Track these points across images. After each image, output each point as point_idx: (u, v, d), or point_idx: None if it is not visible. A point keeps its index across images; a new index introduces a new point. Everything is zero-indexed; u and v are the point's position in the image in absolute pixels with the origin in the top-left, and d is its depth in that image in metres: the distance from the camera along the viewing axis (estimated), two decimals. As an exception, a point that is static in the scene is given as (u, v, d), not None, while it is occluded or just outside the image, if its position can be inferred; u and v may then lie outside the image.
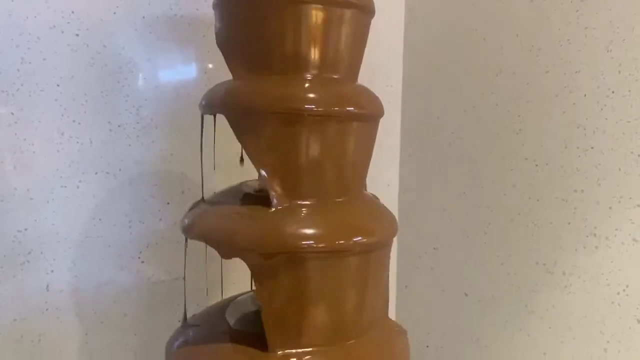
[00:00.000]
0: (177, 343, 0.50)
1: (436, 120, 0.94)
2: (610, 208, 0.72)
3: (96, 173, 0.74)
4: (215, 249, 0.47)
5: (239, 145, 0.51)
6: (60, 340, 0.73)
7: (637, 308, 0.71)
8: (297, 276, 0.44)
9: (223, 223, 0.46)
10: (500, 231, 0.85)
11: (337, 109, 0.46)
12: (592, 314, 0.75)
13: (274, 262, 0.44)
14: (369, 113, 0.49)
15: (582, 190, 0.75)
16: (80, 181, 0.73)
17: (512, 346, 0.84)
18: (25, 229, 0.70)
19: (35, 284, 0.71)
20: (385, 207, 0.53)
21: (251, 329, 0.49)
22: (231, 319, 0.50)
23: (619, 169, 0.71)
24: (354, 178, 0.49)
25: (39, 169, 0.70)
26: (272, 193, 0.45)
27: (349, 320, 0.47)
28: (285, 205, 0.45)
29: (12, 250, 0.69)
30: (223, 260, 0.55)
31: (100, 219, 0.74)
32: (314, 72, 0.46)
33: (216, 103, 0.50)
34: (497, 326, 0.87)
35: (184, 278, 0.66)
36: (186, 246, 0.59)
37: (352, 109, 0.47)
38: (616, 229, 0.72)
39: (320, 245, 0.44)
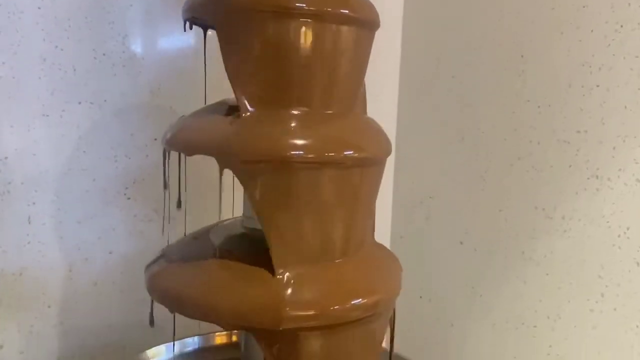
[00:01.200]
0: (157, 263, 0.47)
1: (436, 64, 0.90)
2: (614, 148, 0.70)
3: (80, 103, 0.70)
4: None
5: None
6: (43, 275, 0.71)
7: (638, 250, 0.69)
8: (285, 186, 0.42)
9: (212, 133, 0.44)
10: (498, 177, 0.83)
11: (329, 9, 0.42)
12: (591, 258, 0.73)
13: (262, 169, 0.41)
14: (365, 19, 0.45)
15: (586, 131, 0.72)
16: (63, 110, 0.70)
17: (508, 294, 0.83)
18: (6, 158, 0.67)
19: (15, 216, 0.68)
20: (378, 125, 0.50)
21: (239, 249, 0.46)
22: (216, 240, 0.48)
23: (625, 107, 0.69)
24: (344, 90, 0.46)
25: (20, 96, 0.67)
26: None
27: (338, 238, 0.44)
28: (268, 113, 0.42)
29: (-8, 179, 0.66)
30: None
31: (84, 151, 0.72)
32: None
33: (198, 3, 0.46)
34: (492, 274, 0.85)
35: (168, 217, 0.62)
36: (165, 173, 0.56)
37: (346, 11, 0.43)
38: (619, 170, 0.69)
39: (310, 156, 0.41)
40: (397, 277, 0.49)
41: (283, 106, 0.43)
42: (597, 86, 0.71)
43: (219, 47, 0.47)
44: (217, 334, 0.71)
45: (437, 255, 0.93)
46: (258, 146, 0.41)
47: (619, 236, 0.70)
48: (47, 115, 0.69)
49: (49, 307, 0.72)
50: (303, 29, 0.41)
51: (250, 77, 0.43)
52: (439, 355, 0.69)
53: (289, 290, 0.41)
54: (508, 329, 0.83)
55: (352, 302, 0.44)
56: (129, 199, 0.76)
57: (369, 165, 0.45)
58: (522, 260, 0.80)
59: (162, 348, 0.67)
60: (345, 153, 0.43)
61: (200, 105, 0.57)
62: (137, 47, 0.73)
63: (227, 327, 0.42)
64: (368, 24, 0.46)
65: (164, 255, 0.49)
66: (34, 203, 0.69)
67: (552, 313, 0.77)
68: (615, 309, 0.71)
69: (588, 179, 0.72)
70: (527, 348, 0.80)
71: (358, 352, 0.45)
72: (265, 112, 0.43)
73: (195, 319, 0.44)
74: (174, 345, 0.61)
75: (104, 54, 0.71)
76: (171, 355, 0.67)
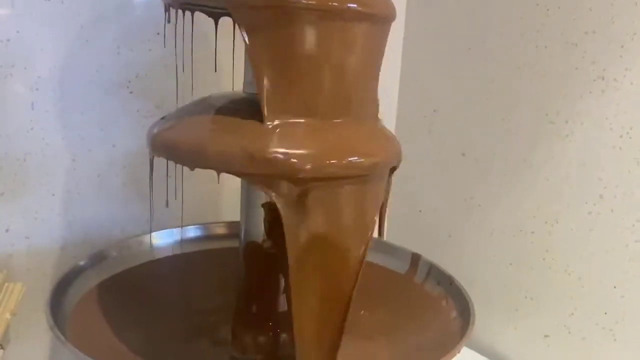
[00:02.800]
0: (157, 122, 0.47)
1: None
2: (622, 47, 0.69)
3: (82, -11, 0.69)
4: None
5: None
6: (46, 163, 0.71)
7: (639, 150, 0.68)
8: (288, 35, 0.41)
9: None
10: (503, 85, 0.82)
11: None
12: (591, 161, 0.73)
13: (264, 16, 0.41)
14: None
15: (594, 32, 0.71)
16: (64, -5, 0.69)
17: (507, 202, 0.83)
18: (8, 40, 0.66)
19: (19, 101, 0.69)
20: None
21: (236, 107, 0.46)
22: (215, 102, 0.48)
23: (636, 4, 0.67)
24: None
25: (21, -22, 0.66)
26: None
27: (337, 96, 0.44)
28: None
29: (-6, 62, 0.66)
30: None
31: (86, 40, 0.71)
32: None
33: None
34: (492, 184, 0.85)
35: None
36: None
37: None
38: (626, 69, 0.69)
39: (312, 3, 0.41)
40: (396, 147, 0.49)
41: None
42: (608, -16, 0.69)
43: None
44: (217, 223, 0.72)
45: (438, 168, 0.94)
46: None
47: (620, 137, 0.70)
48: (49, 0, 0.68)
49: (53, 195, 0.73)
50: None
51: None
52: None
53: (274, 137, 0.41)
54: (505, 237, 0.84)
55: (349, 159, 0.44)
56: (131, 92, 0.76)
57: (373, 22, 0.45)
58: (523, 167, 0.81)
59: (164, 232, 0.68)
60: (349, 5, 0.42)
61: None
62: None
63: (218, 169, 0.43)
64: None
65: (163, 118, 0.49)
66: (37, 89, 0.69)
67: (550, 218, 0.78)
68: (612, 210, 0.71)
69: (594, 80, 0.72)
70: (523, 254, 0.82)
71: (348, 215, 0.45)
72: None
73: (190, 166, 0.44)
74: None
75: (105, -61, 0.70)
76: (173, 240, 0.68)
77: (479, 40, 0.85)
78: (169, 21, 0.49)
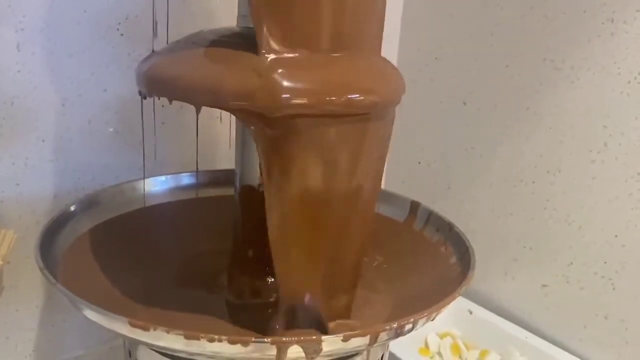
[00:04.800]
0: (145, 59, 0.45)
1: None
2: (634, -14, 0.66)
3: None
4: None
5: None
6: (35, 107, 0.69)
7: (647, 96, 0.66)
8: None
9: None
10: (508, 30, 0.79)
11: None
12: (597, 108, 0.71)
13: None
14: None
15: (605, -29, 0.68)
16: None
17: (508, 152, 0.81)
18: (-11, -24, 0.63)
19: (3, 42, 0.66)
20: None
21: (230, 41, 0.44)
22: (208, 35, 0.45)
23: (650, -60, 0.64)
24: None
25: None
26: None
27: (337, 26, 0.42)
28: None
29: (-24, -1, 0.63)
30: None
31: (73, -22, 0.68)
32: None
33: None
34: (494, 133, 0.83)
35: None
36: None
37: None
38: (637, 10, 0.66)
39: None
40: (398, 83, 0.47)
41: None
42: None
43: None
44: (213, 170, 0.71)
45: (439, 118, 0.91)
46: None
47: (629, 82, 0.68)
48: None
49: (43, 141, 0.71)
50: None
51: None
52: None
53: (273, 71, 0.39)
54: (506, 187, 0.82)
55: (349, 97, 0.42)
56: (122, 35, 0.73)
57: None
58: (526, 115, 0.78)
59: (160, 179, 0.67)
60: None
61: None
62: None
63: (206, 103, 0.40)
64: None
65: (153, 52, 0.47)
66: (22, 29, 0.66)
67: (552, 167, 0.76)
68: (616, 158, 0.70)
69: (602, 23, 0.69)
70: (523, 204, 0.80)
71: (347, 150, 0.44)
72: None
73: (182, 100, 0.42)
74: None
75: None
76: (167, 187, 0.67)
77: (483, -17, 0.81)
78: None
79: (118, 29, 0.72)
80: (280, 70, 0.39)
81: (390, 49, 0.97)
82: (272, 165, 0.42)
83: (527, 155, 0.79)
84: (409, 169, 0.97)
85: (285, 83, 0.39)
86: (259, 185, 0.52)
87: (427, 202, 0.68)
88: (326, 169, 0.44)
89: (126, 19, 0.72)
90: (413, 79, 0.94)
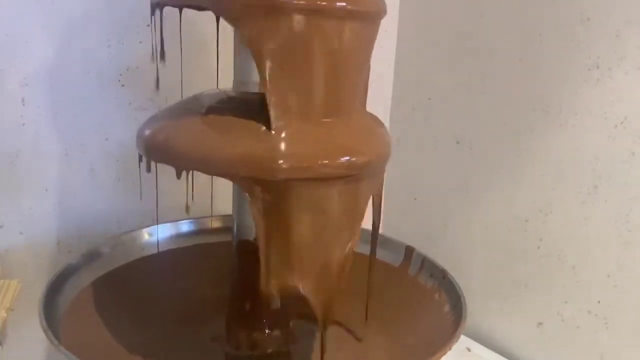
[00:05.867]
0: (145, 124, 0.47)
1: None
2: (617, 36, 0.68)
3: (69, -18, 0.68)
4: None
5: None
6: (39, 158, 0.71)
7: (633, 141, 0.68)
8: (282, 33, 0.41)
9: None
10: (497, 73, 0.82)
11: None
12: (586, 151, 0.73)
13: (251, 13, 0.40)
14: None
15: (589, 19, 0.70)
16: (52, -11, 0.68)
17: (501, 190, 0.83)
18: (-4, 36, 0.66)
19: (9, 97, 0.68)
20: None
21: (230, 107, 0.46)
22: (206, 101, 0.47)
23: (631, -8, 0.66)
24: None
25: (7, -27, 0.65)
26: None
27: (328, 96, 0.44)
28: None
29: (-18, 58, 0.65)
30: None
31: (77, 34, 0.70)
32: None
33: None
34: (486, 173, 0.85)
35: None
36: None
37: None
38: (620, 58, 0.68)
39: (301, 2, 0.40)
40: (385, 141, 0.49)
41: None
42: (604, -29, 0.68)
43: None
44: (212, 217, 0.72)
45: (433, 156, 0.93)
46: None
47: (615, 127, 0.69)
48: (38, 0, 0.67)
49: (46, 190, 0.73)
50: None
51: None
52: (429, 252, 0.71)
53: (283, 143, 0.41)
54: (500, 226, 0.84)
55: (341, 159, 0.44)
56: (123, 86, 0.75)
57: (363, 20, 0.44)
58: (517, 156, 0.80)
59: (157, 228, 0.68)
60: (338, 4, 0.42)
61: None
62: None
63: (216, 173, 0.42)
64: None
65: (153, 117, 0.49)
66: (27, 84, 0.69)
67: (544, 207, 0.78)
68: (606, 201, 0.71)
69: (589, 69, 0.71)
70: (517, 243, 0.82)
71: (341, 211, 0.46)
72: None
73: (187, 168, 0.44)
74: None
75: None
76: (166, 235, 0.68)
77: (473, 28, 0.84)
78: (160, 20, 0.48)
79: (119, 80, 0.75)
80: (283, 139, 0.42)
81: (384, 89, 0.99)
82: (268, 226, 0.44)
83: (520, 195, 0.81)
84: (404, 204, 0.99)
85: (288, 151, 0.41)
86: (256, 239, 0.53)
87: (423, 237, 0.69)
88: (319, 224, 0.45)
89: (127, 70, 0.75)
90: (408, 117, 0.97)
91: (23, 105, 0.69)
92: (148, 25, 0.74)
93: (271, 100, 0.41)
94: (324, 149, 0.43)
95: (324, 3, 0.41)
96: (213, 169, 0.42)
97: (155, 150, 0.44)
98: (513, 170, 0.81)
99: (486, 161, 0.84)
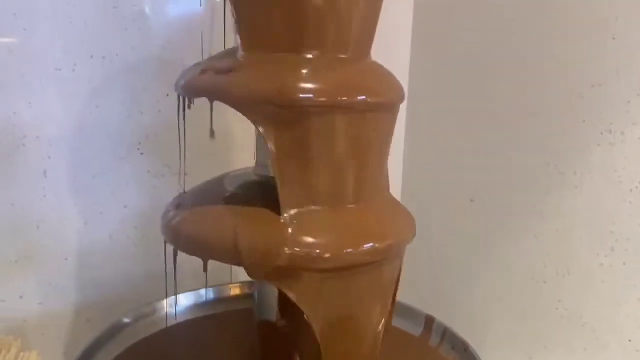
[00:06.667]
0: (171, 210, 0.48)
1: (449, 19, 0.89)
2: (628, 102, 0.69)
3: (92, 57, 0.70)
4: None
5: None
6: (59, 228, 0.72)
7: (649, 205, 0.68)
8: (297, 130, 0.42)
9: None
10: (510, 133, 0.83)
11: (345, 98, 0.42)
12: (602, 213, 0.73)
13: (273, 113, 0.41)
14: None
15: (600, 85, 0.71)
16: (75, 64, 0.70)
17: (517, 249, 0.83)
18: (19, 112, 0.67)
19: (32, 170, 0.69)
20: (392, 74, 0.50)
21: (253, 193, 0.47)
22: (229, 186, 0.48)
23: (641, 60, 0.67)
24: (360, 34, 0.46)
25: (31, 49, 0.67)
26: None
27: (350, 184, 0.45)
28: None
29: (7, 133, 0.67)
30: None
31: (97, 106, 0.72)
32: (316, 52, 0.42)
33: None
34: (502, 231, 0.85)
35: (183, 173, 0.62)
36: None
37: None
38: (633, 124, 0.69)
39: (321, 100, 0.41)
40: (409, 223, 0.49)
41: (293, 49, 0.43)
42: (613, 38, 0.70)
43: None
44: (231, 285, 0.73)
45: (448, 213, 0.94)
46: (265, 88, 0.41)
47: (630, 190, 0.70)
48: (59, 69, 0.69)
49: (65, 259, 0.73)
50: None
51: (257, 20, 0.43)
52: (447, 312, 0.71)
53: (291, 230, 0.42)
54: (517, 284, 0.84)
55: (364, 246, 0.44)
56: (142, 154, 0.76)
57: (383, 111, 0.45)
58: (533, 215, 0.80)
59: (177, 298, 0.69)
60: (358, 97, 0.43)
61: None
62: (147, 0, 0.72)
63: (230, 262, 0.43)
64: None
65: (179, 203, 0.50)
66: (49, 157, 0.70)
67: (561, 268, 0.78)
68: (624, 263, 0.71)
69: (601, 133, 0.72)
70: (536, 303, 0.81)
71: (367, 297, 0.46)
72: (273, 54, 0.43)
73: (203, 258, 0.44)
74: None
75: (114, 7, 0.71)
76: (187, 304, 0.69)
77: (485, 86, 0.85)
78: (188, 107, 0.50)
79: (138, 149, 0.76)
80: (299, 226, 0.42)
81: (396, 148, 1.01)
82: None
83: (536, 255, 0.80)
84: (421, 262, 0.99)
85: (305, 239, 0.42)
86: (278, 319, 0.54)
87: (441, 296, 0.69)
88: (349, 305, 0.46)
89: (146, 138, 0.76)
90: (420, 174, 0.97)
91: (45, 176, 0.70)
92: (167, 95, 0.76)
93: (282, 190, 0.42)
94: (343, 235, 0.44)
95: (344, 98, 0.42)
96: (237, 262, 0.42)
97: (183, 242, 0.45)
98: (529, 229, 0.81)
99: (501, 219, 0.85)
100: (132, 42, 0.72)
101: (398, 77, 0.51)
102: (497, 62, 0.83)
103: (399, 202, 0.50)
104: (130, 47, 0.72)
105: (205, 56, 0.57)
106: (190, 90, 0.46)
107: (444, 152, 0.93)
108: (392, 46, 0.93)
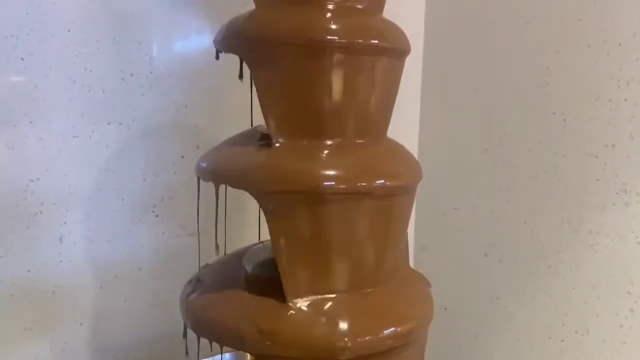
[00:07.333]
0: (192, 290, 0.48)
1: (458, 74, 0.90)
2: (643, 163, 0.69)
3: (109, 123, 0.72)
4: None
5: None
6: (75, 293, 0.72)
7: (668, 267, 0.68)
8: (315, 218, 0.42)
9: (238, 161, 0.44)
10: (524, 189, 0.83)
11: (361, 41, 0.43)
12: (619, 273, 0.72)
13: (290, 200, 0.42)
14: (396, 47, 0.46)
15: (614, 145, 0.72)
16: (92, 131, 0.71)
17: (534, 307, 0.82)
18: (38, 179, 0.68)
19: (48, 236, 0.70)
20: (409, 152, 0.50)
21: (270, 275, 0.47)
22: (249, 266, 0.48)
23: (654, 122, 0.68)
24: (377, 119, 0.46)
25: (50, 118, 0.68)
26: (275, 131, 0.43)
27: (368, 268, 0.45)
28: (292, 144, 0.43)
29: (25, 201, 0.67)
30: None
31: (113, 171, 0.73)
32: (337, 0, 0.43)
33: (231, 35, 0.47)
34: (518, 287, 0.84)
35: (198, 233, 0.63)
36: (199, 197, 0.57)
37: (377, 42, 0.44)
38: (649, 185, 0.69)
39: (341, 187, 0.42)
40: (429, 303, 0.49)
41: (315, 137, 0.43)
42: (625, 100, 0.70)
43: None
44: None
45: (462, 266, 0.93)
46: (287, 177, 0.42)
47: (648, 252, 0.69)
48: (77, 137, 0.70)
49: (80, 324, 0.73)
50: (335, 60, 0.42)
51: (282, 108, 0.44)
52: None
53: (303, 317, 0.42)
54: (534, 343, 0.82)
55: (385, 332, 0.44)
56: (157, 216, 0.77)
57: (401, 194, 0.46)
58: (548, 273, 0.80)
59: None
60: (377, 182, 0.43)
61: (224, 123, 0.56)
62: (163, 67, 0.74)
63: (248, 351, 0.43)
64: (399, 53, 0.46)
65: (199, 281, 0.50)
66: (65, 223, 0.71)
67: (580, 328, 0.77)
68: (645, 325, 0.70)
69: (617, 193, 0.72)
70: (554, 362, 0.80)
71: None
72: (296, 142, 0.44)
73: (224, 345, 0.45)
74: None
75: (131, 75, 0.72)
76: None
77: (496, 143, 0.86)
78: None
79: (153, 211, 0.76)
80: (314, 315, 0.42)
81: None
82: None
83: (553, 313, 0.79)
84: (435, 314, 0.97)
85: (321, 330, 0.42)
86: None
87: (455, 349, 0.68)
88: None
89: (161, 200, 0.77)
90: (434, 226, 0.97)
91: (61, 242, 0.71)
92: (183, 157, 0.77)
93: (289, 280, 0.42)
94: (362, 322, 0.44)
95: (364, 184, 0.43)
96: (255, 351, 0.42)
97: (201, 329, 0.45)
98: (544, 286, 0.80)
99: (516, 275, 0.84)
100: (149, 107, 0.73)
101: (409, 133, 0.51)
102: (511, 121, 0.83)
103: (417, 274, 0.50)
104: (147, 113, 0.73)
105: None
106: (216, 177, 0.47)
107: (457, 205, 0.93)
108: (403, 107, 0.94)
